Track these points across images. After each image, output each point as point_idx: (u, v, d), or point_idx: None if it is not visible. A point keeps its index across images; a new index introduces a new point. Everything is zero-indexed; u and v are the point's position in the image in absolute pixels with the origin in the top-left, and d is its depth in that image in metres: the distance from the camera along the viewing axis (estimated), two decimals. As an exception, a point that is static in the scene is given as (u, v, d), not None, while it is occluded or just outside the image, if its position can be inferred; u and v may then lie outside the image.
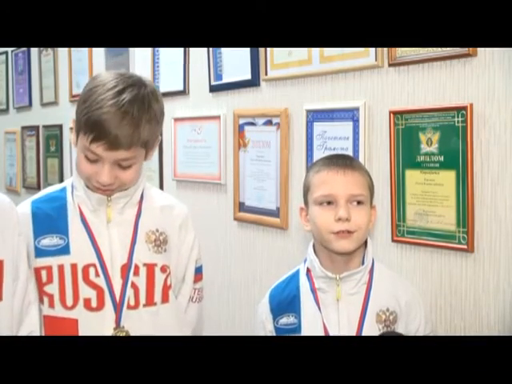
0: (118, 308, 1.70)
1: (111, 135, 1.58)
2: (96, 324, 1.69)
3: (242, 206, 2.82)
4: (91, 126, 1.59)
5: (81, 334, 1.69)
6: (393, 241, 2.14)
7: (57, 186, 1.85)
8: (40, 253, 1.73)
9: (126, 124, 1.58)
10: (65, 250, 1.72)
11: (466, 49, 1.88)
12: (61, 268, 1.71)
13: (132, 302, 1.72)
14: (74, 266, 1.71)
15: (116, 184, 1.67)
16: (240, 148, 2.81)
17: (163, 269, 1.75)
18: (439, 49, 1.95)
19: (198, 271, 1.87)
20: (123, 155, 1.62)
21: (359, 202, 1.71)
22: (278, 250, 2.64)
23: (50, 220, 1.75)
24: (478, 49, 1.88)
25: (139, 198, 1.78)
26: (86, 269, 1.71)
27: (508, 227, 1.84)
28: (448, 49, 1.92)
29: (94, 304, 1.70)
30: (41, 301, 1.73)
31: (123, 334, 1.69)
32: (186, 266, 1.83)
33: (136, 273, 1.72)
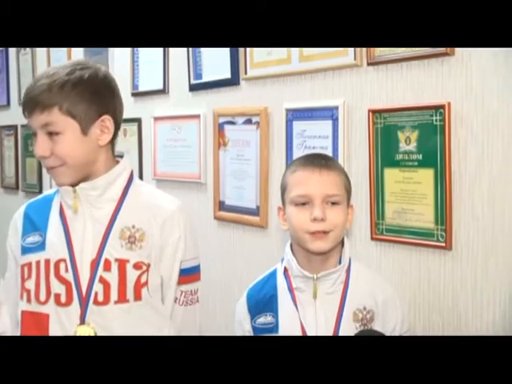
0: (83, 304, 1.69)
1: (27, 97, 1.69)
2: (64, 319, 1.70)
3: (222, 205, 2.82)
4: (22, 98, 1.74)
5: (51, 329, 1.70)
6: (372, 239, 2.16)
7: (54, 189, 1.87)
8: (24, 250, 1.77)
9: (39, 85, 1.67)
10: (41, 246, 1.74)
11: (444, 48, 1.89)
12: (37, 264, 1.73)
13: (100, 298, 1.70)
14: (47, 262, 1.72)
15: (53, 160, 1.68)
16: (220, 147, 2.81)
17: (137, 266, 1.72)
18: (417, 48, 1.96)
19: (187, 272, 1.80)
20: (42, 119, 1.66)
21: (335, 203, 1.71)
22: (258, 248, 2.65)
23: (35, 219, 1.79)
24: (456, 48, 1.89)
25: (120, 193, 1.75)
26: (57, 264, 1.71)
27: (485, 225, 1.85)
28: (426, 48, 1.93)
29: (63, 299, 1.70)
30: (21, 297, 1.75)
31: (87, 331, 1.68)
32: (172, 267, 1.77)
33: (107, 268, 1.70)
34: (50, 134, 1.67)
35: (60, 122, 1.66)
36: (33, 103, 1.67)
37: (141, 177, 3.31)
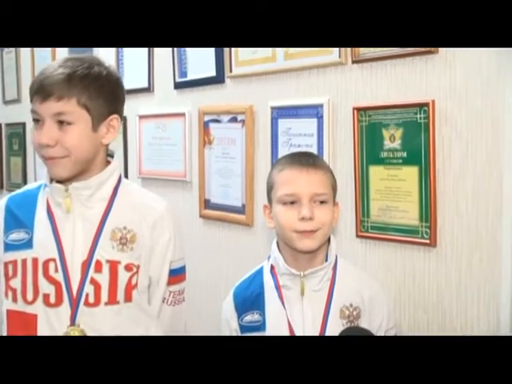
0: (73, 305, 1.68)
1: (43, 83, 1.65)
2: (54, 320, 1.68)
3: (207, 203, 2.82)
4: (31, 85, 1.69)
5: (39, 329, 1.68)
6: (357, 236, 2.16)
7: (35, 183, 1.85)
8: (8, 247, 1.73)
9: (58, 73, 1.64)
10: (28, 244, 1.71)
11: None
12: (24, 262, 1.71)
13: (91, 300, 1.68)
14: (35, 261, 1.70)
15: (58, 150, 1.65)
16: (205, 145, 2.81)
17: (128, 267, 1.72)
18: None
19: (175, 273, 1.81)
20: (57, 107, 1.63)
21: (322, 201, 1.71)
22: (244, 246, 2.65)
23: (19, 215, 1.75)
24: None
25: (111, 192, 1.74)
26: (46, 263, 1.69)
27: (469, 221, 1.86)
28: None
29: (52, 300, 1.68)
30: (6, 295, 1.73)
31: (77, 333, 1.67)
32: (161, 268, 1.78)
33: (98, 269, 1.69)
34: (61, 123, 1.64)
35: (75, 113, 1.64)
36: (49, 90, 1.63)
37: (126, 175, 3.30)
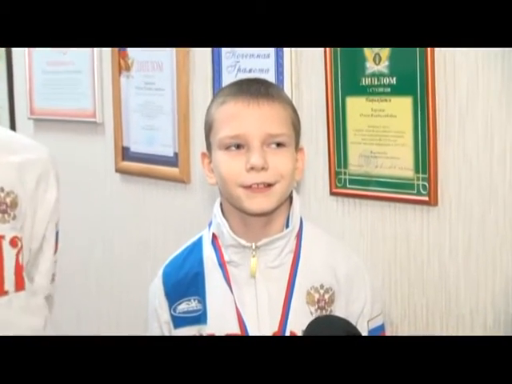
0: None
1: None
2: None
3: (126, 153, 2.82)
4: None
5: None
6: (331, 193, 2.17)
7: None
8: None
9: None
10: None
11: None
12: None
13: None
14: None
15: None
16: (121, 72, 2.80)
17: (13, 242, 1.72)
18: None
19: (57, 239, 1.87)
20: None
21: (280, 144, 1.71)
22: (177, 210, 2.66)
23: None
24: None
25: None
26: None
27: (481, 171, 1.88)
28: None
29: None
30: None
31: None
32: (45, 233, 1.81)
33: None
34: None
35: None
36: None
37: (12, 116, 3.28)
